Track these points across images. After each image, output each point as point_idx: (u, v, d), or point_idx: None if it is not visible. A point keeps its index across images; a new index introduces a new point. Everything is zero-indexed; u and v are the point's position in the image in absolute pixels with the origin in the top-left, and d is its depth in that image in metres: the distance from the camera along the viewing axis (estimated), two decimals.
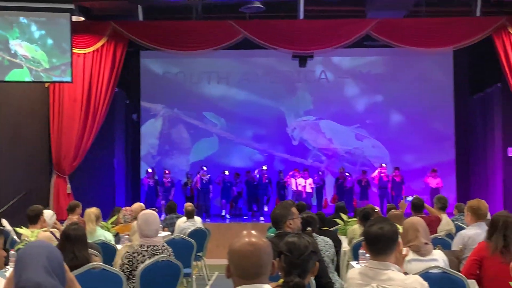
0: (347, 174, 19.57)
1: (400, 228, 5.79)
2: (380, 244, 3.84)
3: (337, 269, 7.52)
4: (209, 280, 11.72)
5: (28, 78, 14.70)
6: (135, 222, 7.11)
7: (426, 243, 5.25)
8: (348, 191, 19.37)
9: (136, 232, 6.76)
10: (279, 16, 17.22)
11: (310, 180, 19.11)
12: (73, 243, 5.23)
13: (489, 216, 8.20)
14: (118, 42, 16.36)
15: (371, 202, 17.84)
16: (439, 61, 20.72)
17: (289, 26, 16.63)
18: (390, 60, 21.04)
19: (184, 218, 11.38)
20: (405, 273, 4.07)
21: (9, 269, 6.21)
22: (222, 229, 15.65)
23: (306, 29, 16.47)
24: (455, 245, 6.73)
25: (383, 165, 19.58)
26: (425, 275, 4.77)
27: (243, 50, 19.22)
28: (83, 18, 15.45)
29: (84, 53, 16.03)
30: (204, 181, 18.83)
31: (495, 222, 5.53)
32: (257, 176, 19.19)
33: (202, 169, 19.16)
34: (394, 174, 19.18)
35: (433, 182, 18.99)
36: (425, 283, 3.85)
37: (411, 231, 5.27)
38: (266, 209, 18.82)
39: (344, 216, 10.01)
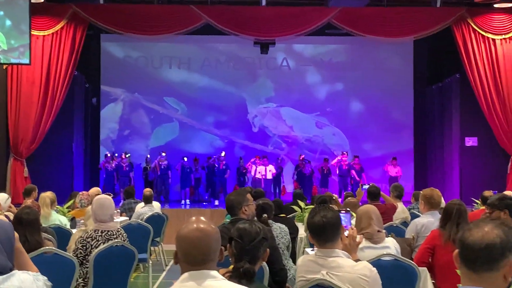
0: (308, 161, 19.66)
1: (355, 216, 5.86)
2: (326, 233, 3.90)
3: (293, 256, 7.55)
4: (166, 265, 11.70)
5: None
6: (90, 207, 7.06)
7: (379, 231, 5.30)
8: (308, 178, 19.48)
9: (90, 216, 6.71)
10: (241, 2, 17.18)
11: (270, 167, 19.15)
12: (25, 227, 5.17)
13: (443, 205, 8.32)
14: (78, 24, 16.16)
15: (331, 190, 17.99)
16: (399, 51, 20.92)
17: (251, 13, 16.61)
18: (351, 48, 21.14)
19: (142, 203, 11.33)
20: (358, 260, 4.12)
21: None
22: (181, 215, 15.59)
23: (268, 16, 16.47)
24: (409, 233, 6.81)
25: (343, 153, 19.72)
26: (377, 262, 4.84)
27: (205, 36, 19.14)
28: (42, 0, 15.22)
29: (43, 35, 15.82)
30: (162, 167, 18.75)
31: (448, 210, 5.59)
32: (215, 162, 19.13)
33: (160, 154, 19.08)
34: (353, 162, 19.34)
35: (393, 170, 19.22)
36: (374, 269, 3.91)
37: (365, 219, 5.32)
38: (224, 195, 18.75)
39: (301, 203, 10.04)
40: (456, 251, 2.30)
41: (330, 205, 6.00)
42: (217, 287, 2.61)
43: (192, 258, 2.65)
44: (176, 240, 2.71)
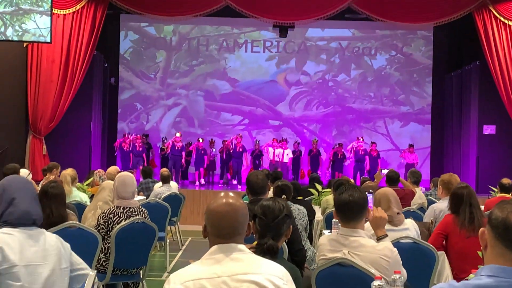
0: (338, 146, 19.54)
1: None
2: (350, 211, 3.97)
3: (310, 238, 7.60)
4: (182, 245, 11.80)
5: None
6: (105, 182, 7.14)
7: (398, 213, 5.33)
8: (323, 163, 19.58)
9: (103, 189, 6.80)
10: None
11: (288, 151, 19.13)
12: (50, 200, 5.22)
13: None
14: (98, 4, 16.23)
15: (345, 174, 18.00)
16: (419, 37, 20.86)
17: None
18: (370, 33, 21.09)
19: (160, 183, 11.41)
20: (385, 235, 4.17)
21: None
22: (196, 196, 15.71)
23: None
24: (427, 217, 6.85)
25: (359, 138, 19.67)
26: (396, 244, 4.84)
27: (223, 18, 19.22)
28: None
29: (64, 14, 15.89)
30: (177, 148, 18.75)
31: (458, 195, 5.55)
32: (232, 144, 19.12)
33: (175, 135, 19.11)
34: (370, 148, 19.29)
35: (410, 157, 19.16)
36: (395, 250, 3.98)
37: (384, 202, 5.33)
38: (238, 178, 18.79)
39: (318, 187, 10.09)
40: (484, 230, 2.31)
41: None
42: (245, 260, 2.67)
43: (221, 231, 2.71)
44: (205, 214, 2.77)
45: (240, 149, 18.97)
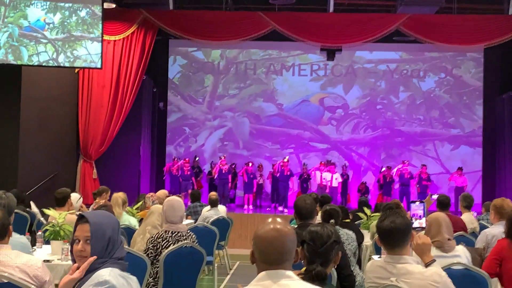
0: (387, 169, 19.42)
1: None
2: (394, 238, 3.90)
3: (359, 263, 7.51)
4: (230, 269, 11.78)
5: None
6: (154, 206, 7.18)
7: (449, 239, 5.22)
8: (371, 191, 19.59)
9: (152, 214, 6.84)
10: (308, 8, 17.22)
11: (337, 175, 19.00)
12: None
13: None
14: (147, 30, 16.47)
15: (394, 198, 17.79)
16: (469, 59, 20.64)
17: (319, 19, 16.63)
18: (419, 56, 20.93)
19: (208, 207, 11.44)
20: (433, 260, 4.08)
21: (36, 250, 6.34)
22: (244, 220, 15.71)
23: (335, 22, 16.47)
24: (479, 243, 6.70)
25: (404, 161, 19.45)
26: (447, 271, 4.75)
27: (270, 42, 19.30)
28: (114, 5, 15.52)
29: (114, 40, 16.15)
30: (224, 171, 18.81)
31: None
32: (279, 168, 19.10)
33: (220, 158, 19.18)
34: (420, 171, 19.05)
35: (459, 180, 18.88)
36: (444, 274, 3.89)
37: (434, 227, 5.23)
38: (287, 202, 18.75)
39: (367, 211, 9.97)
40: None
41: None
42: (293, 287, 2.64)
43: (269, 257, 2.68)
44: (253, 240, 2.75)
45: (288, 173, 18.92)
